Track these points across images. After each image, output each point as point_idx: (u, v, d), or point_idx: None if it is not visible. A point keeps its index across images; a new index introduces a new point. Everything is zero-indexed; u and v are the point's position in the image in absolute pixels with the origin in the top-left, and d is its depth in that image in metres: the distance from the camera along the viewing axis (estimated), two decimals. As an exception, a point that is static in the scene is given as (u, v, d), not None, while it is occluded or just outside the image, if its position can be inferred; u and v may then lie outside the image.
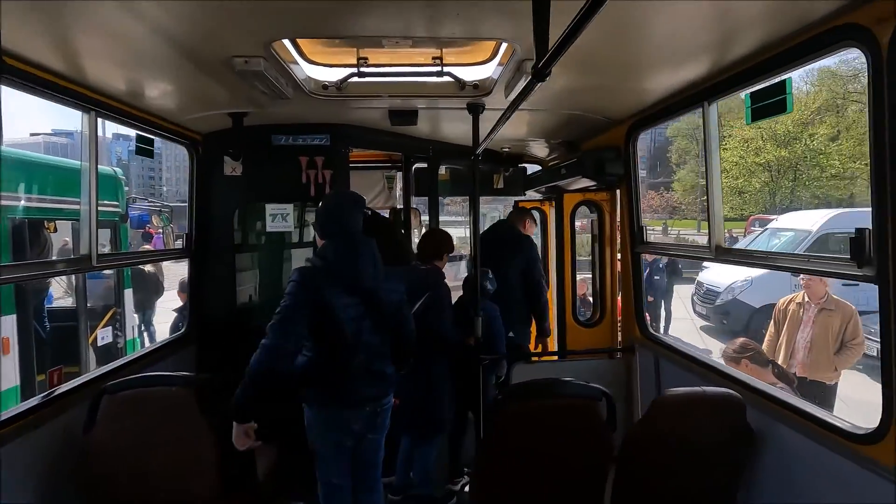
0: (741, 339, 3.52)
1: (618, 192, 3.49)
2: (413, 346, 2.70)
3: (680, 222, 35.20)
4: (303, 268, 2.49)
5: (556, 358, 3.53)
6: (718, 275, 11.29)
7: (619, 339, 3.55)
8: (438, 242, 3.50)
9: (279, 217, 3.61)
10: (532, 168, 5.23)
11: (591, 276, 3.70)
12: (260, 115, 3.25)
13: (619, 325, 3.57)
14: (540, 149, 4.81)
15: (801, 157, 29.14)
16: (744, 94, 2.18)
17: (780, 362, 5.18)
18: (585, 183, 3.68)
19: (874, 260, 1.60)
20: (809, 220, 11.70)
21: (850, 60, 27.72)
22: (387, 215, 5.10)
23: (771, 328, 5.49)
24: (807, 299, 5.14)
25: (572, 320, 3.63)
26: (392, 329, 2.62)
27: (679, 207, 37.39)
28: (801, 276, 5.27)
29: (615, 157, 3.34)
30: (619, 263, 3.52)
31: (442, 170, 4.63)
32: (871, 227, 1.61)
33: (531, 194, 5.02)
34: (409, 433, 3.40)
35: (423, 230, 4.33)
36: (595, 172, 3.37)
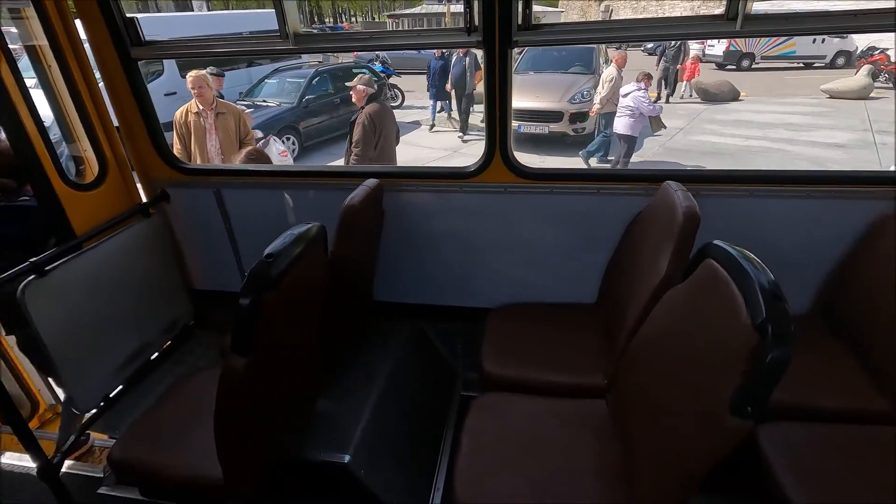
0: (249, 149, 3.39)
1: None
2: None
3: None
4: None
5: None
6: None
7: (142, 190, 2.59)
8: None
9: None
10: None
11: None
12: None
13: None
14: None
15: None
16: None
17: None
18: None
19: (480, 29, 1.97)
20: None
21: None
22: None
23: (176, 142, 5.28)
24: (201, 107, 5.03)
25: (62, 186, 2.25)
26: None
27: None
28: (193, 85, 5.16)
29: None
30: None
31: None
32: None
33: None
34: None
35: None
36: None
